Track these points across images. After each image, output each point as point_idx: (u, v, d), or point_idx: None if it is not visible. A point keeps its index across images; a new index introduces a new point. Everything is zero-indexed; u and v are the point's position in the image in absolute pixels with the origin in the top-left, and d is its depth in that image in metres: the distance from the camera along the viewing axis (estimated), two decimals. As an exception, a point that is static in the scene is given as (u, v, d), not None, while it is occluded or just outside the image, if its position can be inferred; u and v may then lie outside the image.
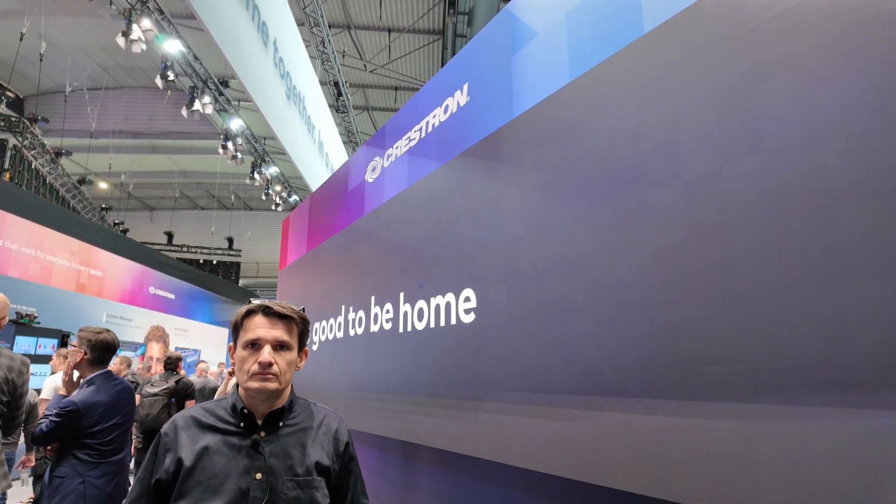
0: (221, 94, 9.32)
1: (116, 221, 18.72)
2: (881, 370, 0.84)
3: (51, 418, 2.38)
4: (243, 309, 1.22)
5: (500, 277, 1.72)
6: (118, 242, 11.12)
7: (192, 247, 21.40)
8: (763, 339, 1.00)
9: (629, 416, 1.24)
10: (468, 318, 1.86)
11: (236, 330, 1.21)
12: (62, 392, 2.67)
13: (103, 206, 18.68)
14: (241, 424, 1.17)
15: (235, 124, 10.13)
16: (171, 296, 12.81)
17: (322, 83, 11.55)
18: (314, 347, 3.30)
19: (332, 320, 3.06)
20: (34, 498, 5.09)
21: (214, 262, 21.26)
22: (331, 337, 3.04)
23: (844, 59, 0.95)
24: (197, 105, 8.47)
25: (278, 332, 1.18)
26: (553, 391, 1.46)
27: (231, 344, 1.24)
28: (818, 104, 0.98)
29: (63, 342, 7.17)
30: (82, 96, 13.88)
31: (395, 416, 2.22)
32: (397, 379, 2.27)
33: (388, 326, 2.42)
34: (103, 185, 19.38)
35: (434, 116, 2.40)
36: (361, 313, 2.70)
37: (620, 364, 1.28)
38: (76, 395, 2.45)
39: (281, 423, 1.20)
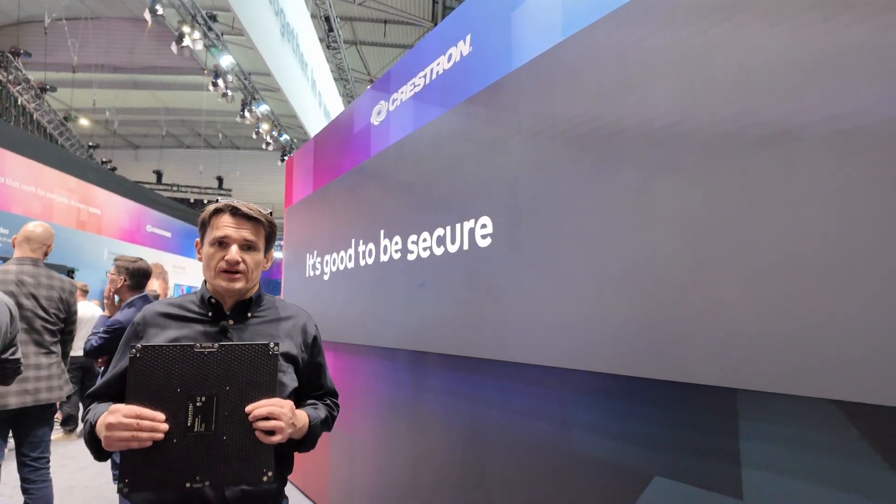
0: (210, 29, 9.12)
1: (104, 160, 18.48)
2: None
3: (99, 335, 2.74)
4: (211, 207, 1.24)
5: (499, 212, 2.03)
6: (110, 180, 11.15)
7: (182, 186, 21.30)
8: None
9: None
10: (470, 245, 2.19)
11: (203, 227, 1.24)
12: (106, 314, 3.01)
13: (90, 143, 18.36)
14: (210, 314, 1.22)
15: (226, 61, 9.97)
16: (168, 234, 13.01)
17: (312, 16, 11.25)
18: (325, 278, 3.63)
19: (342, 252, 3.37)
20: (63, 418, 5.58)
21: (205, 201, 21.23)
22: (342, 268, 3.37)
23: None
24: (186, 41, 8.33)
25: (246, 233, 1.21)
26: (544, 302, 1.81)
27: (198, 240, 1.28)
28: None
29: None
30: (62, 28, 13.35)
31: (404, 330, 2.59)
32: (405, 300, 2.62)
33: (396, 257, 2.74)
34: (84, 122, 18.94)
35: (438, 64, 2.61)
36: (371, 245, 3.01)
37: (600, 284, 1.61)
38: (120, 315, 2.80)
39: (249, 314, 1.25)
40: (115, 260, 2.91)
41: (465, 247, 2.21)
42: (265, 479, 1.07)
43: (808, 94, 1.16)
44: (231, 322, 1.23)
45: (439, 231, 2.37)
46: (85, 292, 6.06)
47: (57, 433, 5.48)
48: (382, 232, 2.90)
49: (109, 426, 0.98)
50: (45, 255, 2.70)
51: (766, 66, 1.24)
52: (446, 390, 2.34)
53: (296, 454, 1.31)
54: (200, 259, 1.25)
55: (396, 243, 2.75)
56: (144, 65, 16.37)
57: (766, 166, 1.22)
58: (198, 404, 1.05)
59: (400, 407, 2.70)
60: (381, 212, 2.93)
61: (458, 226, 2.26)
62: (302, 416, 1.19)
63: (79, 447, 5.18)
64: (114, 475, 2.69)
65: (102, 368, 2.89)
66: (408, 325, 2.59)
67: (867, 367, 1.03)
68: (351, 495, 3.13)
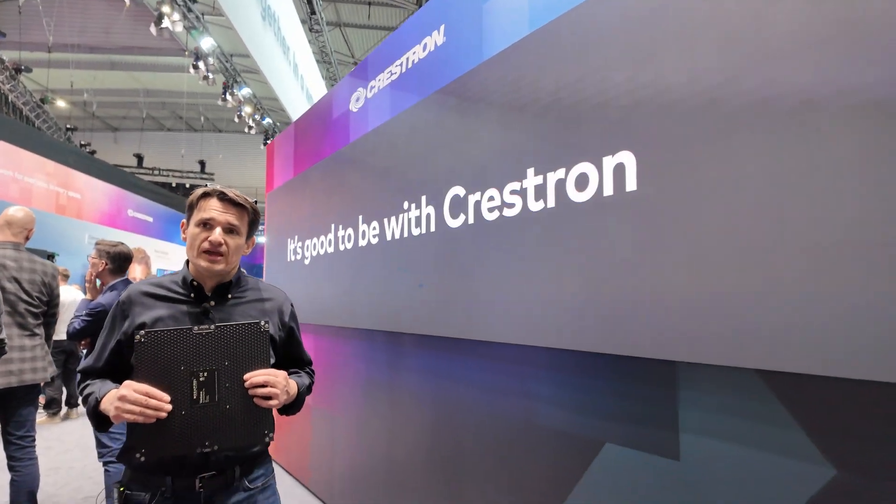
0: (190, 10, 8.97)
1: (83, 143, 18.11)
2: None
3: (82, 318, 2.79)
4: (200, 190, 1.31)
5: (470, 200, 2.13)
6: (90, 164, 10.99)
7: (163, 170, 20.98)
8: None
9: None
10: (447, 225, 2.28)
11: (191, 209, 1.30)
12: (88, 297, 3.06)
13: (68, 126, 17.96)
14: (191, 295, 1.29)
15: (206, 43, 9.81)
16: (150, 219, 12.89)
17: (294, -2, 11.09)
18: (306, 262, 3.71)
19: (322, 237, 3.44)
20: (46, 401, 5.61)
21: (188, 185, 20.97)
22: (322, 252, 3.44)
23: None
24: (165, 22, 8.20)
25: (230, 217, 1.27)
26: (505, 277, 1.92)
27: (184, 221, 1.34)
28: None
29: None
30: (36, 6, 12.99)
31: (381, 311, 2.69)
32: (382, 282, 2.72)
33: (375, 241, 2.82)
34: (61, 104, 18.52)
35: (414, 53, 2.67)
36: (350, 231, 3.09)
37: (558, 268, 1.72)
38: (101, 298, 2.85)
39: (229, 296, 1.33)
40: (97, 244, 2.95)
41: (437, 230, 2.30)
42: (267, 439, 1.23)
43: (743, 77, 1.27)
44: (212, 303, 1.30)
45: (415, 226, 2.46)
46: (66, 277, 6.05)
47: (40, 416, 5.52)
48: (361, 217, 2.97)
49: (122, 398, 1.08)
50: (27, 239, 2.73)
51: (710, 58, 1.34)
52: (419, 368, 2.45)
53: (276, 418, 1.43)
54: (185, 239, 1.32)
55: (374, 228, 2.83)
56: (122, 45, 15.97)
57: (707, 153, 1.33)
58: (201, 379, 1.17)
59: (377, 385, 2.81)
60: (359, 197, 3.01)
61: (431, 213, 2.35)
62: (293, 384, 1.35)
63: (63, 430, 5.23)
64: (99, 453, 2.76)
65: (86, 350, 2.96)
66: (384, 307, 2.69)
67: (782, 340, 1.16)
68: (331, 471, 3.26)
